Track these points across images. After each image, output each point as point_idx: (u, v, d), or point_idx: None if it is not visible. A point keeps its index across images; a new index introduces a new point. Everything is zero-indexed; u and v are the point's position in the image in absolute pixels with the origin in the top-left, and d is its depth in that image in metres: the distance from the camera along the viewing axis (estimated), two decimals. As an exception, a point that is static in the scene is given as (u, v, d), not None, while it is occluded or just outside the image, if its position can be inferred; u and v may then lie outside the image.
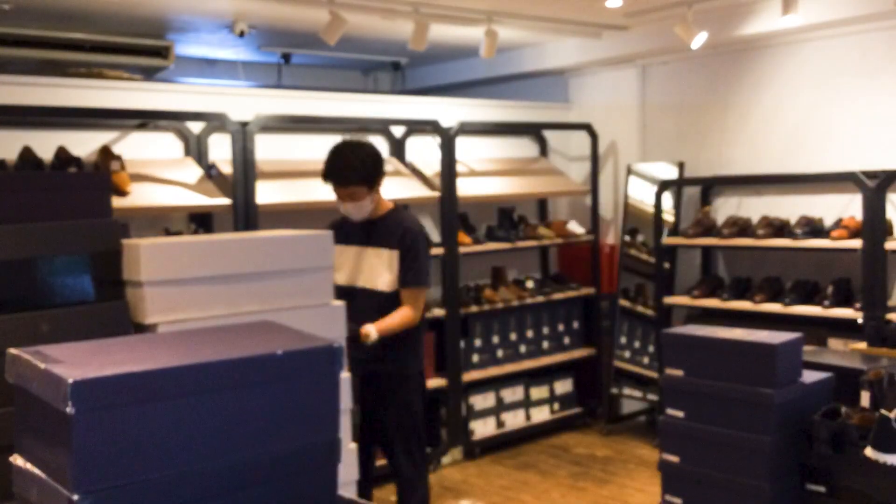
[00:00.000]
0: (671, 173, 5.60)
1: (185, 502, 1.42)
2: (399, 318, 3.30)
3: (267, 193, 4.43)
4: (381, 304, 3.33)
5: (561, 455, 5.26)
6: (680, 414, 2.96)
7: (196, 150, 4.51)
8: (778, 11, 4.54)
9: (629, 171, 5.85)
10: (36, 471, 1.44)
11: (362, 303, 3.30)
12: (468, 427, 5.26)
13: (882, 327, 3.47)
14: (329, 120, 4.98)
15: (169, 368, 1.41)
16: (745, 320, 5.04)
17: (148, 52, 5.06)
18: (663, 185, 5.42)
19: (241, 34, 4.92)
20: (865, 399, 2.77)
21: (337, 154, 3.33)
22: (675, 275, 5.60)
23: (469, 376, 5.22)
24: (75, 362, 1.41)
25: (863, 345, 3.50)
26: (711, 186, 5.49)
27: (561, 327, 5.75)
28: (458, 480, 4.87)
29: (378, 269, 3.37)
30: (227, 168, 4.42)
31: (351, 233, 3.44)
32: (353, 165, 3.28)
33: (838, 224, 4.69)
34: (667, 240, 5.33)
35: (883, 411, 2.54)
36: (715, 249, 5.48)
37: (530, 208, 6.08)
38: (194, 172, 4.36)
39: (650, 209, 5.54)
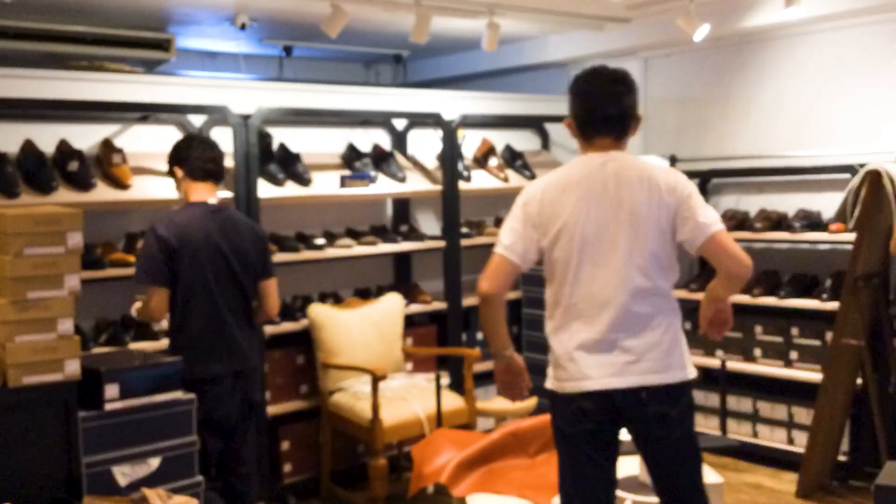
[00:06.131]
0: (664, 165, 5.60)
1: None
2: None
3: (268, 187, 4.44)
4: None
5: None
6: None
7: (197, 143, 4.51)
8: (781, 3, 4.53)
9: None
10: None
11: None
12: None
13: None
14: (331, 113, 4.99)
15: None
16: (742, 314, 5.06)
17: (149, 44, 5.06)
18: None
19: (243, 27, 4.91)
20: None
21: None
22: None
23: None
24: None
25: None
26: (709, 179, 5.48)
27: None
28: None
29: None
30: (228, 161, 4.43)
31: None
32: None
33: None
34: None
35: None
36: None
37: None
38: (196, 165, 4.36)
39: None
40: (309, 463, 4.59)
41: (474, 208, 5.66)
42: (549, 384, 2.69)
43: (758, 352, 4.97)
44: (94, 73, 4.33)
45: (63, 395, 3.06)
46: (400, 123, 5.35)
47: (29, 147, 3.91)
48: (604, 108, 2.70)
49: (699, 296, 5.12)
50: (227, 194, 4.25)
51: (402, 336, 4.74)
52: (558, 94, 6.31)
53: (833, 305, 4.56)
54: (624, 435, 3.73)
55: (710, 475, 3.29)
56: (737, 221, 5.03)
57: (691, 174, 5.47)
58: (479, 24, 5.06)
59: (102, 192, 3.94)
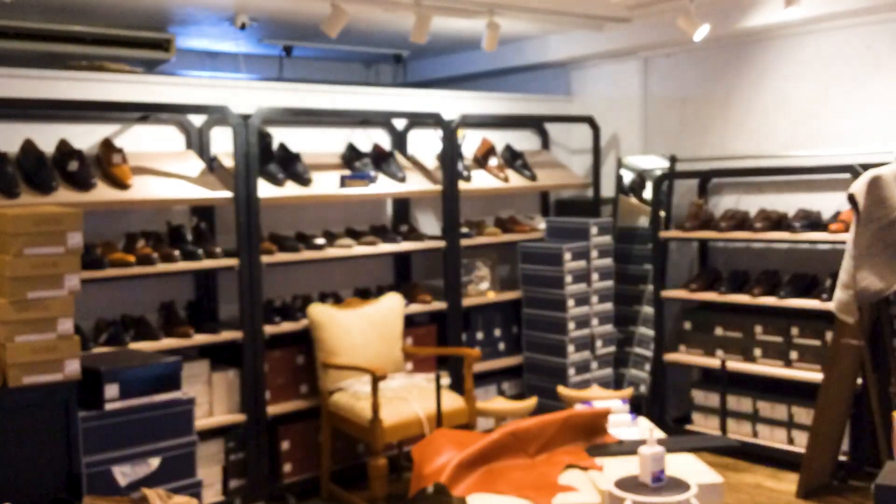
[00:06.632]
0: (664, 166, 5.60)
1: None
2: None
3: (268, 187, 4.45)
4: None
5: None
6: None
7: (198, 142, 4.52)
8: (781, 3, 4.53)
9: (619, 164, 5.87)
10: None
11: None
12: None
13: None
14: (330, 113, 4.99)
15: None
16: (742, 314, 5.07)
17: (149, 44, 5.07)
18: (661, 178, 5.42)
19: (243, 27, 4.93)
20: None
21: None
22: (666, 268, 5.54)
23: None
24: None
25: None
26: (709, 179, 5.48)
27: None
28: None
29: None
30: (228, 161, 4.43)
31: None
32: None
33: (836, 217, 4.69)
34: (666, 233, 5.33)
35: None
36: (713, 243, 5.48)
37: (532, 201, 6.09)
38: (196, 165, 4.37)
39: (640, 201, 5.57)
40: (309, 463, 4.59)
41: (474, 208, 5.66)
42: None
43: (758, 352, 4.96)
44: (94, 73, 4.33)
45: (63, 395, 3.06)
46: (400, 123, 5.35)
47: (29, 147, 3.91)
48: None
49: (699, 296, 5.17)
50: (227, 194, 4.25)
51: (402, 336, 4.74)
52: (558, 94, 6.34)
53: (833, 305, 4.56)
54: (625, 435, 3.74)
55: (710, 475, 3.29)
56: (737, 221, 5.03)
57: (691, 174, 5.51)
58: (479, 24, 5.06)
59: (102, 192, 3.94)
